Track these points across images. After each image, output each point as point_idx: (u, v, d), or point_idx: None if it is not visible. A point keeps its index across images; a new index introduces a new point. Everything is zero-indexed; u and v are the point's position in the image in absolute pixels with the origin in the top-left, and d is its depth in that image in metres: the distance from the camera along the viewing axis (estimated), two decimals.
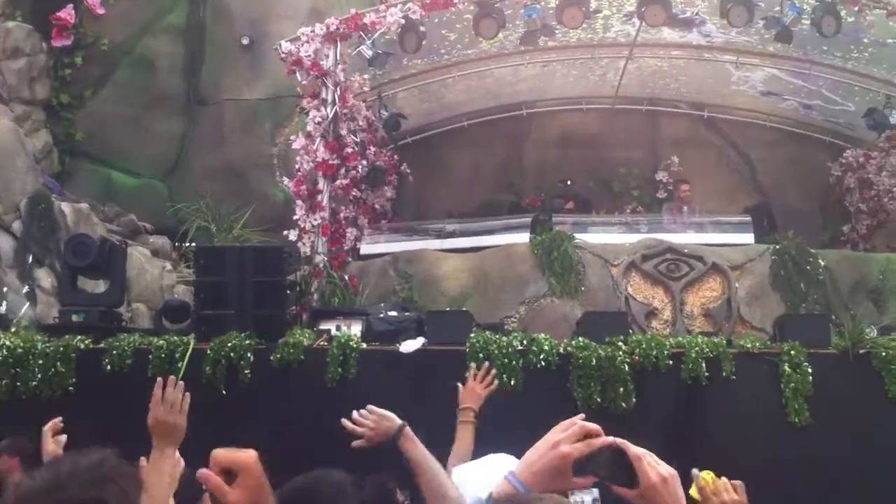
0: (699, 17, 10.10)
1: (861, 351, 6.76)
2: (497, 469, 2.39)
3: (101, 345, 6.90)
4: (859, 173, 11.93)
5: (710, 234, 9.83)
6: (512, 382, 6.53)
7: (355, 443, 3.12)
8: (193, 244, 9.19)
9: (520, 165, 13.23)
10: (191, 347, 6.78)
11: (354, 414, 3.12)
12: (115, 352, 6.82)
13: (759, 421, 6.50)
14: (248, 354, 6.70)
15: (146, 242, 10.50)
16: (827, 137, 12.52)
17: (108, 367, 6.78)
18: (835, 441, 6.36)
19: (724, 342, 6.84)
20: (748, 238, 9.60)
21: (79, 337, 6.92)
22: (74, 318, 7.17)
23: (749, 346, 6.83)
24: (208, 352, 6.74)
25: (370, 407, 3.10)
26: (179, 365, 6.67)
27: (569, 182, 12.16)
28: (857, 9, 8.90)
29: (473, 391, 3.87)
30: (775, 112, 12.62)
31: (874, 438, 6.43)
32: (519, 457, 2.00)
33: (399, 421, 3.00)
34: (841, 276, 8.74)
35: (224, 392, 6.64)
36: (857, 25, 9.29)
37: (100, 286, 7.95)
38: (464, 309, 8.00)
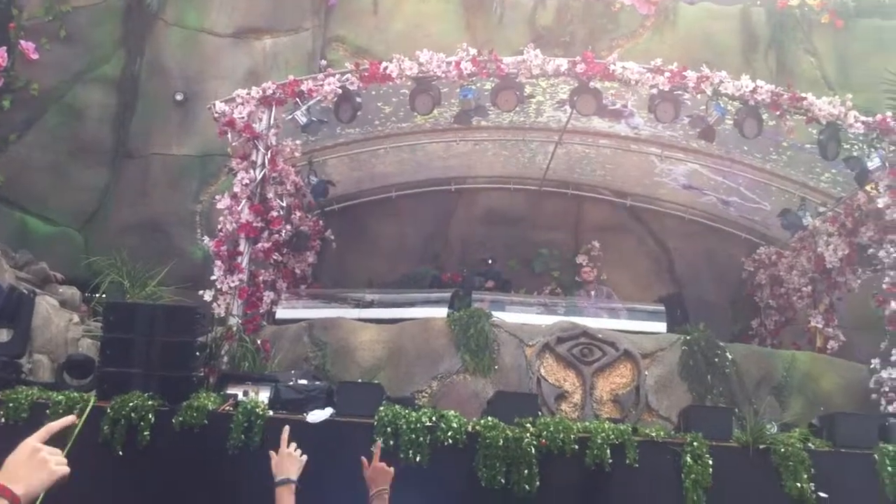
0: (628, 109, 10.37)
1: (761, 446, 6.91)
2: None
3: None
4: (771, 270, 12.28)
5: (624, 321, 9.98)
6: (417, 459, 6.49)
7: (271, 450, 3.57)
8: (105, 297, 8.98)
9: (445, 240, 13.31)
10: (91, 405, 6.61)
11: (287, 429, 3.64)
12: (11, 404, 6.64)
13: None
14: (150, 416, 6.55)
15: (55, 292, 10.20)
16: (742, 234, 12.92)
17: (3, 419, 6.59)
18: None
19: (630, 429, 6.92)
20: (661, 327, 9.79)
21: None
22: None
23: (653, 434, 6.93)
24: (108, 410, 6.57)
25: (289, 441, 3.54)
26: (77, 422, 6.48)
27: (490, 261, 12.27)
28: (778, 114, 9.23)
29: (384, 470, 3.83)
30: (695, 205, 13.01)
31: None
32: None
33: (294, 477, 3.41)
34: (747, 370, 8.92)
35: (120, 453, 6.45)
36: (778, 129, 9.62)
37: (2, 335, 7.71)
38: (375, 381, 7.96)
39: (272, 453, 3.54)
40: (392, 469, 3.83)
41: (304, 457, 3.54)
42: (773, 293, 12.16)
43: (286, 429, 3.64)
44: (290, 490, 3.37)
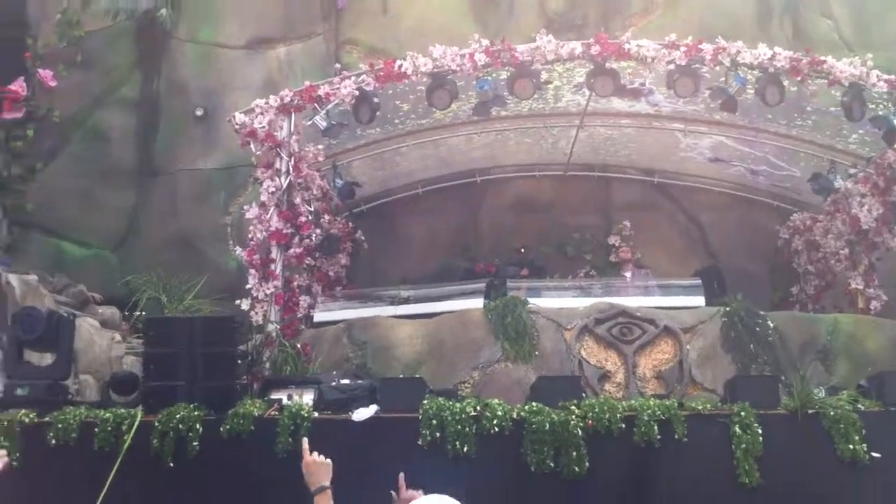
0: (647, 87, 10.28)
1: (810, 411, 6.82)
2: None
3: (46, 418, 6.82)
4: (806, 236, 12.17)
5: (661, 298, 9.92)
6: (465, 449, 6.49)
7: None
8: (144, 313, 9.09)
9: (475, 231, 13.31)
10: (138, 420, 6.68)
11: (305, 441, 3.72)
12: (60, 425, 6.74)
13: (710, 483, 6.51)
14: (197, 426, 6.61)
15: (95, 313, 10.35)
16: (774, 201, 12.84)
17: (53, 440, 6.69)
18: (785, 501, 6.40)
19: (676, 404, 6.86)
20: (699, 301, 9.70)
21: (23, 411, 6.84)
22: (19, 391, 7.05)
23: (700, 407, 6.87)
24: (156, 424, 6.64)
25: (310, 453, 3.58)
26: (125, 437, 6.57)
27: (522, 249, 12.26)
28: (799, 79, 9.13)
29: (324, 464, 3.63)
30: (723, 177, 12.91)
31: (824, 498, 6.49)
32: None
33: (327, 483, 3.49)
34: (790, 336, 8.82)
35: (171, 464, 6.52)
36: (801, 95, 9.55)
37: (46, 359, 7.82)
38: (417, 376, 7.97)
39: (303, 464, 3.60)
40: (330, 461, 3.60)
41: (329, 461, 3.59)
42: (811, 258, 12.04)
43: (304, 440, 3.75)
44: (327, 496, 3.49)
